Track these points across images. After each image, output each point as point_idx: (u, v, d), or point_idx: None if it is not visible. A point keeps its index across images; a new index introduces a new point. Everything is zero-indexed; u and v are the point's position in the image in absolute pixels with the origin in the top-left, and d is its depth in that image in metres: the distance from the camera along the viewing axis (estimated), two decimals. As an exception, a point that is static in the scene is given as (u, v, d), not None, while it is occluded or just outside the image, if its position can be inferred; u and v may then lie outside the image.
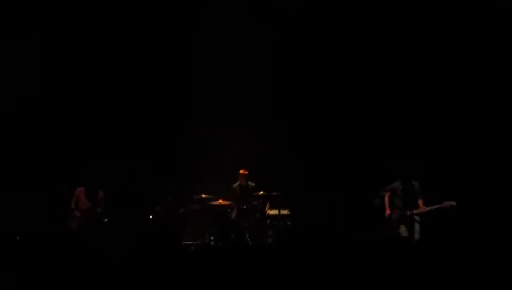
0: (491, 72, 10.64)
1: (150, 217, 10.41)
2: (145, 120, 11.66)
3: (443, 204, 9.17)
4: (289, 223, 10.48)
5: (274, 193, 10.54)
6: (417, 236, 9.28)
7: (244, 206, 10.54)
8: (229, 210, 10.73)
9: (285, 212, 10.59)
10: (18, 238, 7.83)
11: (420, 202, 9.37)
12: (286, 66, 11.56)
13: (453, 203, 9.13)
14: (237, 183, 10.95)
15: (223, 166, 11.55)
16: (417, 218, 9.33)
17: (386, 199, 9.61)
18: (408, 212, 9.34)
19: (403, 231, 9.38)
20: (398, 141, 10.86)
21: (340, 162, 11.23)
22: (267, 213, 10.59)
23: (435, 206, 9.23)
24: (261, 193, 10.60)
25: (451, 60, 10.86)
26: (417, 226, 9.35)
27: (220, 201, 10.64)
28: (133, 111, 11.61)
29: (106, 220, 9.60)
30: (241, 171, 10.93)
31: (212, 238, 10.46)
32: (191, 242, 10.44)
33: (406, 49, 11.03)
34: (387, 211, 9.50)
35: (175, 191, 10.65)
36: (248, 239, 10.25)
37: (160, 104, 11.75)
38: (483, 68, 10.68)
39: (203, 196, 10.57)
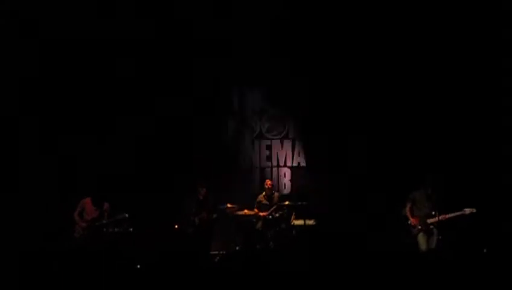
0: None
1: (176, 227, 10.44)
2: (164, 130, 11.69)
3: (463, 211, 9.07)
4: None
5: (300, 203, 10.51)
6: (433, 246, 9.17)
7: (270, 217, 10.54)
8: (254, 220, 10.73)
9: (310, 222, 10.55)
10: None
11: (438, 212, 9.24)
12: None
13: (473, 210, 9.03)
14: (262, 194, 10.97)
15: (249, 176, 11.68)
16: (435, 228, 9.23)
17: (407, 208, 9.54)
18: (427, 221, 9.25)
19: (421, 240, 9.28)
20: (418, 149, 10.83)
21: (367, 171, 11.13)
22: (292, 223, 10.56)
23: (455, 214, 9.13)
24: (287, 203, 10.60)
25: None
26: (434, 236, 9.24)
27: (246, 211, 10.64)
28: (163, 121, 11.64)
29: (117, 230, 9.72)
30: (267, 182, 11.03)
31: (237, 248, 10.46)
32: (216, 252, 10.45)
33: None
34: (411, 220, 9.43)
35: (199, 202, 10.60)
36: (273, 249, 10.21)
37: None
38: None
39: (229, 205, 10.57)
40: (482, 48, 10.74)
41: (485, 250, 8.92)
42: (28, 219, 10.35)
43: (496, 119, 10.68)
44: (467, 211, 9.05)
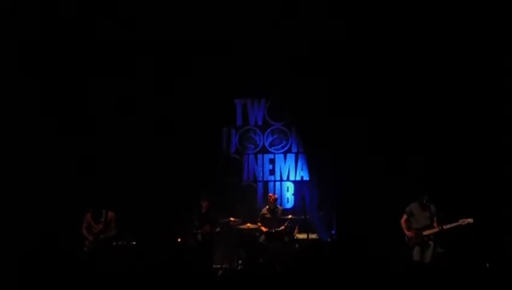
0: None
1: (178, 240, 10.43)
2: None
3: (459, 222, 9.01)
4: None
5: (303, 217, 10.50)
6: (428, 259, 9.13)
7: (273, 230, 10.51)
8: (257, 234, 10.71)
9: (313, 236, 10.53)
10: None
11: (435, 224, 9.24)
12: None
13: (470, 220, 8.96)
14: (266, 207, 10.96)
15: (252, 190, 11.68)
16: (431, 241, 9.20)
17: (403, 220, 9.52)
18: (423, 234, 9.23)
19: (416, 252, 9.25)
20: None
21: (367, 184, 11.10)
22: (295, 237, 10.54)
23: (451, 225, 9.07)
24: (290, 216, 10.59)
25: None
26: (430, 249, 9.20)
27: (248, 225, 10.62)
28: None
29: (121, 243, 9.73)
30: (270, 196, 11.00)
31: (240, 262, 10.43)
32: (219, 266, 10.42)
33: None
34: (407, 233, 9.40)
35: (202, 215, 10.58)
36: (276, 263, 10.17)
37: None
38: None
39: (232, 219, 10.56)
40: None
41: (487, 265, 8.86)
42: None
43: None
44: (464, 221, 8.98)
